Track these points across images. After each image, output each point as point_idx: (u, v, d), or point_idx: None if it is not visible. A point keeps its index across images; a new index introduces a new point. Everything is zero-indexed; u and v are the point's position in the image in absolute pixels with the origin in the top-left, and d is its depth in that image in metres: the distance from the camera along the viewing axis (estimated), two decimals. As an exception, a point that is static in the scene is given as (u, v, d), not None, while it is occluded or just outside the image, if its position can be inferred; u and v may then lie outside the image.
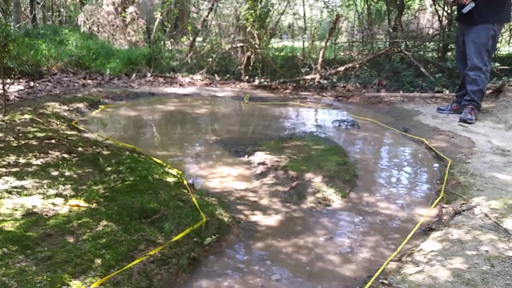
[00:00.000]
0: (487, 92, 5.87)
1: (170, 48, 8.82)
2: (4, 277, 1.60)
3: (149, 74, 7.04)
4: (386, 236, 2.36)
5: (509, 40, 9.78)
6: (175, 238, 2.10)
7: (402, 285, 1.75)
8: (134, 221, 2.17)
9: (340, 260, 2.09)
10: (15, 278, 1.60)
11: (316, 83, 7.04)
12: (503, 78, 6.42)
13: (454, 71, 6.55)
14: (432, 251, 2.04)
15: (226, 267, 2.03)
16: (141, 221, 2.19)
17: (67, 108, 4.67)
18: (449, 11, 7.44)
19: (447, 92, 6.25)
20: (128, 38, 10.05)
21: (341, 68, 7.25)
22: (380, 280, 1.80)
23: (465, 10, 4.60)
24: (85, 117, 4.59)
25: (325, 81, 7.05)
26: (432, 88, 6.51)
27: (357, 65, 7.34)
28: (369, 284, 1.77)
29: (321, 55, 7.20)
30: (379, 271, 1.90)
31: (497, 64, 6.56)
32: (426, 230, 2.37)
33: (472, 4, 4.55)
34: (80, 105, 4.89)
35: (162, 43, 8.71)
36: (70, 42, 7.78)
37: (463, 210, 2.48)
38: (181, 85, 6.78)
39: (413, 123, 4.86)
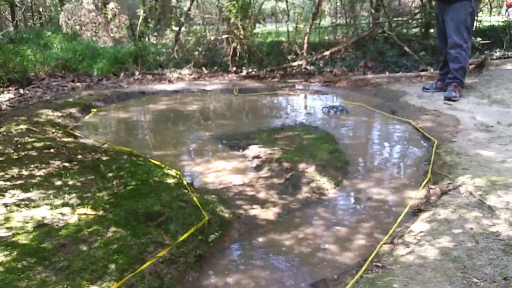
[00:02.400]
0: (470, 67, 6.02)
1: (155, 42, 8.83)
2: (26, 289, 1.72)
3: (137, 72, 7.08)
4: (379, 220, 2.51)
5: (490, 11, 9.92)
6: (181, 238, 2.23)
7: (394, 266, 1.90)
8: (141, 224, 2.29)
9: (338, 249, 2.23)
10: (37, 289, 1.72)
11: (303, 69, 7.14)
12: (485, 52, 6.57)
13: (437, 48, 6.67)
14: (421, 231, 2.19)
15: (231, 262, 2.16)
16: (147, 224, 2.31)
17: (60, 114, 4.73)
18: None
19: (432, 70, 6.39)
20: (112, 35, 10.02)
21: (327, 53, 7.35)
22: (374, 263, 1.95)
23: None
24: (79, 123, 4.67)
25: (311, 67, 7.15)
26: (417, 66, 6.64)
27: (342, 48, 7.45)
28: (364, 267, 1.92)
29: (306, 40, 7.28)
30: (373, 254, 2.04)
31: (478, 38, 6.70)
32: (416, 212, 2.52)
33: None
34: (73, 110, 4.95)
35: (147, 38, 8.72)
36: (54, 45, 7.77)
37: (449, 190, 2.64)
38: (170, 81, 6.84)
39: (400, 104, 5.00)
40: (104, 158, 3.29)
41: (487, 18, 8.92)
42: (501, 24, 7.92)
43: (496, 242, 1.94)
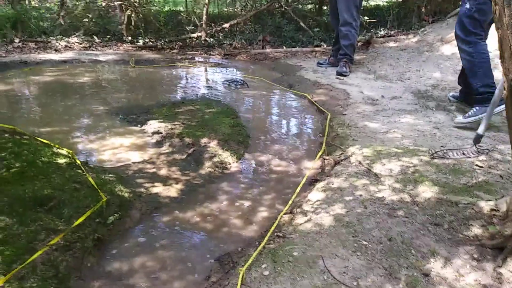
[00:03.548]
0: (358, 44, 6.46)
1: (37, 6, 7.92)
2: None
3: (17, 40, 6.31)
4: (280, 191, 2.62)
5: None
6: (76, 223, 2.08)
7: (294, 234, 2.00)
8: (29, 211, 2.08)
9: (243, 222, 2.28)
10: None
11: (202, 41, 7.02)
12: (372, 30, 7.08)
13: (330, 25, 7.03)
14: (317, 200, 2.33)
15: (133, 245, 2.09)
16: (36, 210, 2.11)
17: None
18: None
19: (325, 46, 6.72)
20: (-16, -5, 8.78)
21: (226, 25, 7.29)
22: (276, 233, 2.04)
23: None
24: None
25: (211, 39, 7.06)
26: (312, 42, 6.94)
27: (241, 22, 7.45)
28: (266, 238, 1.99)
29: (205, 11, 7.13)
30: (274, 225, 2.13)
31: (365, 17, 7.19)
32: (312, 182, 2.67)
33: None
34: None
35: (27, 1, 7.79)
36: None
37: (341, 160, 2.84)
38: (56, 50, 6.24)
39: (297, 78, 5.20)
40: (-20, 138, 2.90)
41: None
42: (386, 4, 8.58)
43: (382, 206, 2.15)
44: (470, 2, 3.24)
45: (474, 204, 2.04)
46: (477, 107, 3.33)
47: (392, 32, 7.08)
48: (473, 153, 2.69)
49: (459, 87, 3.88)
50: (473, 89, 3.40)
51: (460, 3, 3.49)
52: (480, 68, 3.33)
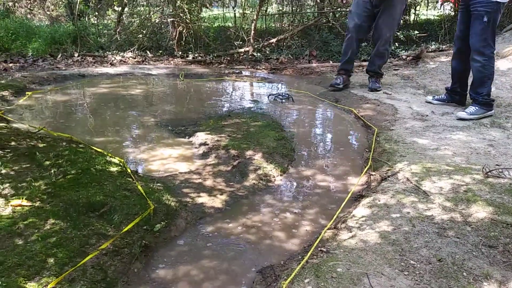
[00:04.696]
0: (408, 58, 6.32)
1: (96, 23, 8.40)
2: (-46, 288, 1.59)
3: (76, 54, 6.71)
4: (324, 206, 2.58)
5: (427, 5, 10.40)
6: (125, 229, 2.16)
7: (338, 250, 1.97)
8: (82, 216, 2.19)
9: (286, 235, 2.27)
10: (-34, 287, 1.60)
11: (250, 56, 7.13)
12: (422, 45, 6.91)
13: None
14: (362, 216, 2.28)
15: (178, 253, 2.13)
16: (89, 215, 2.22)
17: (-10, 97, 4.39)
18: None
19: (372, 60, 6.61)
20: (48, 12, 9.43)
21: (273, 40, 7.38)
22: (319, 248, 2.01)
23: None
24: (12, 106, 4.35)
25: (258, 54, 7.16)
26: (359, 57, 6.86)
27: (288, 37, 7.51)
28: (309, 253, 1.97)
29: (253, 27, 7.26)
30: (318, 240, 2.11)
31: (415, 32, 7.03)
32: (357, 197, 2.62)
33: None
34: (5, 92, 4.60)
35: (86, 18, 8.28)
36: (-17, 22, 7.17)
37: (388, 176, 2.77)
38: (112, 64, 6.56)
39: (343, 93, 5.15)
40: (41, 145, 3.09)
41: (423, 12, 9.37)
42: (437, 18, 8.36)
43: (431, 225, 2.07)
44: (487, 15, 3.64)
45: (533, 227, 1.92)
46: (477, 107, 3.92)
47: (444, 46, 6.88)
48: (531, 173, 2.54)
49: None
50: (477, 95, 3.92)
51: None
52: (489, 79, 3.87)
